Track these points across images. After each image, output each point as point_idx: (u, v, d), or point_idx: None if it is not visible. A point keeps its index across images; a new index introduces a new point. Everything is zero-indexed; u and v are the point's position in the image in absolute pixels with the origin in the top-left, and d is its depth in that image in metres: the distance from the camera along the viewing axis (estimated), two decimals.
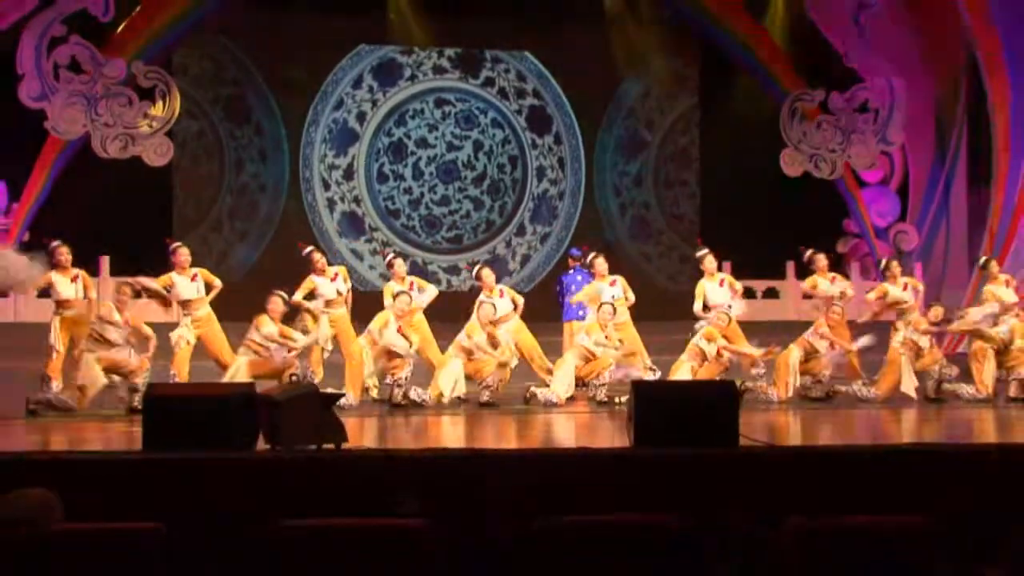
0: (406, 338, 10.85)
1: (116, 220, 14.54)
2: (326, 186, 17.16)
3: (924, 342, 11.57)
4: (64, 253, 10.78)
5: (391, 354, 10.78)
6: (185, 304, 11.17)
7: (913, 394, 11.22)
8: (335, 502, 4.88)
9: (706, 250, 12.29)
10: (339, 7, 16.42)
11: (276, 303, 10.92)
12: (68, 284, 10.67)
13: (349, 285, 11.74)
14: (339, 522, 4.57)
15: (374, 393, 11.22)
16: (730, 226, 16.37)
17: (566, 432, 9.52)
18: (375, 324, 10.94)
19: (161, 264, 11.39)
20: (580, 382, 11.30)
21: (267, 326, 10.80)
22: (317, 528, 4.48)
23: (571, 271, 13.23)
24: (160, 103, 14.99)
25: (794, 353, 11.39)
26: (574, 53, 17.64)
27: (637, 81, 17.89)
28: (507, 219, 17.69)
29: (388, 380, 10.93)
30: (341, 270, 11.77)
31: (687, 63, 17.97)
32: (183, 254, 11.23)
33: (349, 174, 17.28)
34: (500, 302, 11.56)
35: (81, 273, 10.89)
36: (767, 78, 17.08)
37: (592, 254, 12.36)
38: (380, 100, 17.39)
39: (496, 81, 17.74)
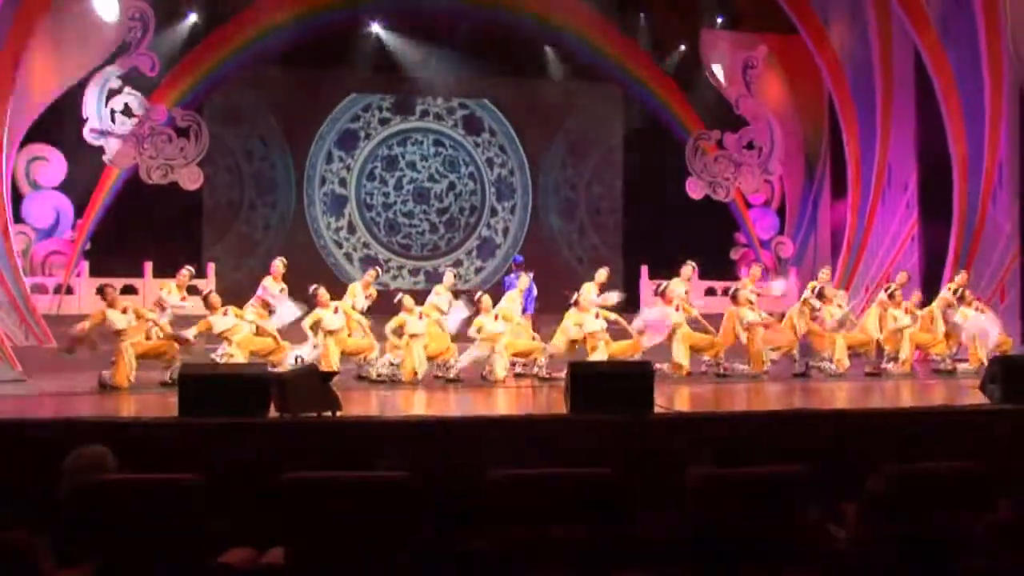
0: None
1: (157, 232, 14.58)
2: (326, 165, 17.07)
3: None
4: (111, 292, 10.36)
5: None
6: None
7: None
8: (331, 458, 4.81)
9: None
10: (336, 61, 16.46)
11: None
12: (121, 316, 10.15)
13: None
14: (335, 474, 4.49)
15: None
16: (647, 236, 16.53)
17: (516, 402, 9.46)
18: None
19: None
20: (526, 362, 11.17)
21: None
22: (317, 479, 4.41)
23: (511, 274, 12.99)
24: (193, 140, 14.89)
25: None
26: (525, 101, 17.59)
27: (575, 122, 17.84)
28: (451, 249, 17.51)
29: (360, 360, 10.76)
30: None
31: (613, 109, 17.93)
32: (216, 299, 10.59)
33: (347, 165, 17.18)
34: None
35: (129, 305, 10.44)
36: (676, 121, 17.09)
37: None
38: (393, 121, 17.34)
39: (485, 148, 17.68)
